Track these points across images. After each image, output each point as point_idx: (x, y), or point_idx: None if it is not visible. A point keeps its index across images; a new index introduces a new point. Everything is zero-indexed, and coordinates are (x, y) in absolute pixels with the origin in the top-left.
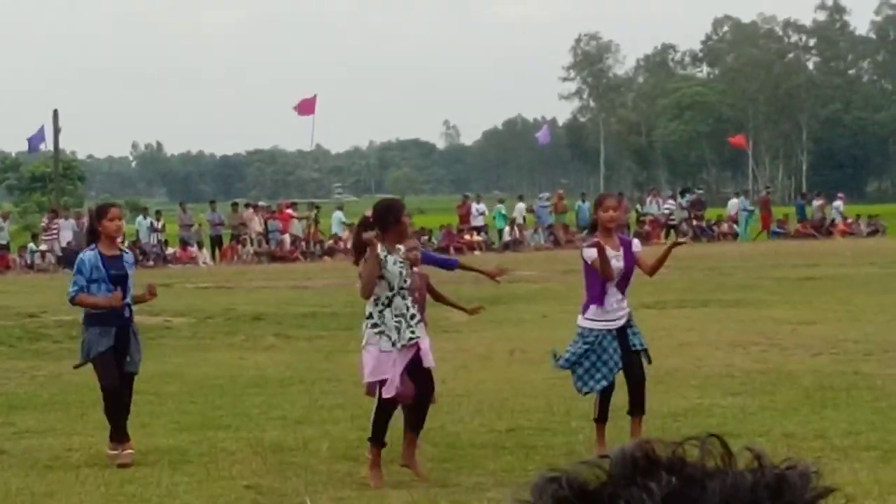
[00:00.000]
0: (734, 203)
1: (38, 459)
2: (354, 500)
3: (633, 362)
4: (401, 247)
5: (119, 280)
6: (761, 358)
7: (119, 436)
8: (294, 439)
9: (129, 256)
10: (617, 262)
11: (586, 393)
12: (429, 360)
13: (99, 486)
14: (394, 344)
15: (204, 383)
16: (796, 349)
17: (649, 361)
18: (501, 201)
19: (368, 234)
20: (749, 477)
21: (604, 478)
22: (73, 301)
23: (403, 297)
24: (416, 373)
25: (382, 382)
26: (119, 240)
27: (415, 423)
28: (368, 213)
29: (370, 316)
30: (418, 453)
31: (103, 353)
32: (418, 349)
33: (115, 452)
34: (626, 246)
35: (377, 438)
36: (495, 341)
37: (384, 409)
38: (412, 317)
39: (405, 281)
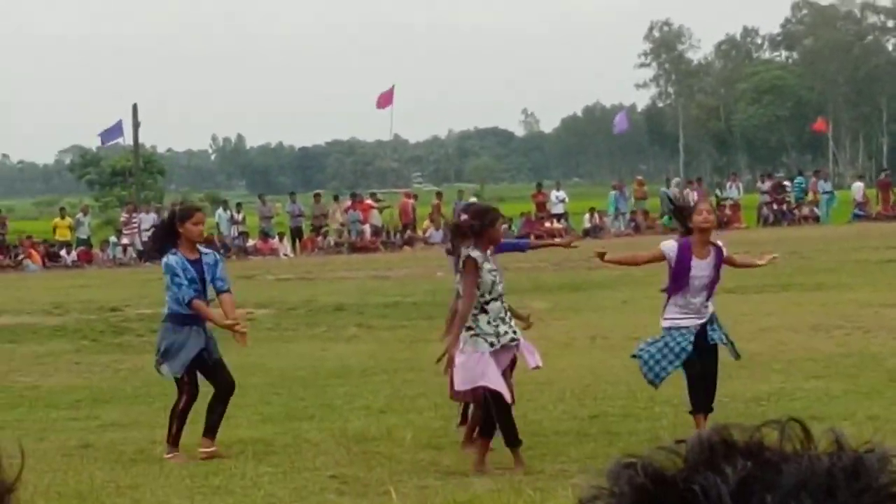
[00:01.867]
0: (858, 186)
1: (122, 452)
2: (439, 488)
3: (708, 359)
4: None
5: (199, 284)
6: (844, 341)
7: (209, 432)
8: (377, 429)
9: (209, 257)
10: (703, 272)
11: (657, 383)
12: (535, 360)
13: (184, 478)
14: (492, 345)
15: (287, 374)
16: (879, 332)
17: (737, 356)
18: (615, 188)
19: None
20: (826, 460)
21: (680, 463)
22: (190, 305)
23: (500, 301)
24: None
25: (484, 387)
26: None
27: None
28: (463, 218)
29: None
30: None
31: (192, 366)
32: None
33: (177, 454)
34: (718, 253)
35: (514, 440)
36: (576, 328)
37: (502, 410)
38: (510, 318)
39: (498, 286)
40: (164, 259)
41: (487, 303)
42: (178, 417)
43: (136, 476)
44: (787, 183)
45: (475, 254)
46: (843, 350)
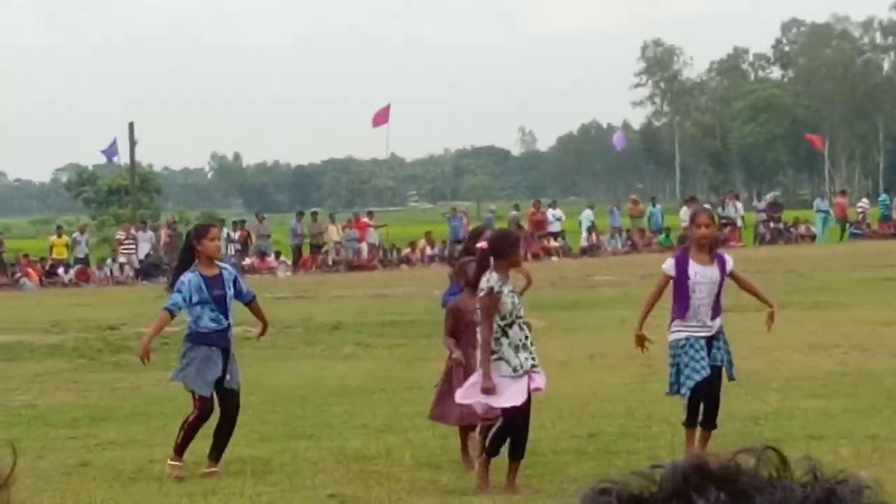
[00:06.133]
0: (865, 203)
1: (121, 471)
2: None
3: (712, 378)
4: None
5: (220, 301)
6: (842, 360)
7: (213, 454)
8: (376, 448)
9: (227, 273)
10: (705, 278)
11: (683, 394)
12: (537, 383)
13: (182, 496)
14: (515, 370)
15: (285, 393)
16: (877, 350)
17: (732, 378)
18: (591, 207)
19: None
20: (799, 492)
21: (655, 490)
22: (168, 311)
23: (521, 328)
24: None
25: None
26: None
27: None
28: (482, 244)
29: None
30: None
31: (207, 389)
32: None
33: (179, 465)
34: (720, 262)
35: (495, 450)
36: (574, 347)
37: (522, 424)
38: (531, 345)
39: (518, 309)
40: (182, 277)
41: (510, 325)
42: (186, 430)
43: (135, 494)
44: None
45: (494, 280)
46: (841, 369)
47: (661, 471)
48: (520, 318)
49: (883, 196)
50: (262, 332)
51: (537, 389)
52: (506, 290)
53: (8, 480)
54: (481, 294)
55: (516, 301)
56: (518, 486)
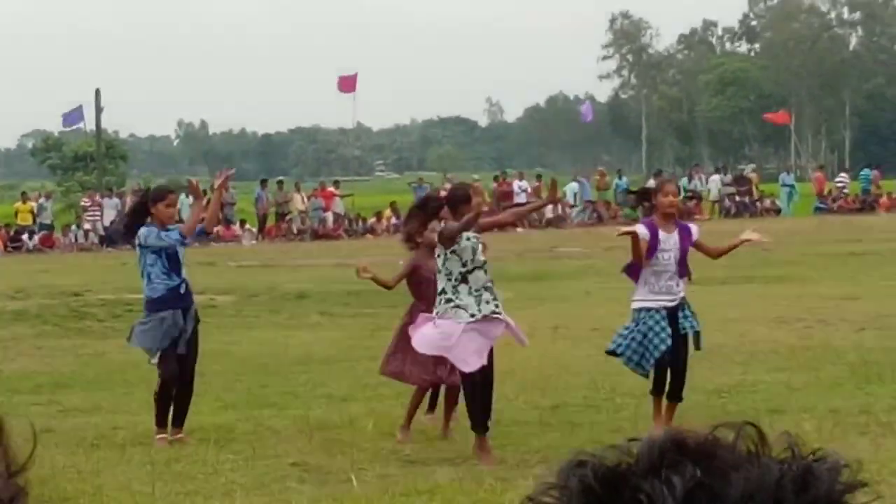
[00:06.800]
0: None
1: (84, 437)
2: (400, 477)
3: (679, 347)
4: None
5: (173, 257)
6: (806, 334)
7: (175, 422)
8: (340, 417)
9: (175, 233)
10: (669, 245)
11: (647, 369)
12: (520, 338)
13: (145, 464)
14: (472, 315)
15: (249, 361)
16: (840, 324)
17: (698, 347)
18: (575, 179)
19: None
20: (776, 469)
21: (632, 464)
22: (183, 238)
23: (485, 272)
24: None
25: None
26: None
27: (454, 402)
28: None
29: (443, 291)
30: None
31: (167, 349)
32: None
33: (164, 436)
34: (684, 231)
35: (483, 425)
36: (538, 318)
37: (475, 390)
38: (493, 290)
39: (479, 255)
40: (139, 233)
41: (470, 272)
42: (156, 401)
43: (98, 461)
44: (753, 175)
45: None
46: (804, 343)
47: (638, 444)
48: (484, 263)
49: (865, 171)
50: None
51: (521, 342)
52: (464, 235)
53: (27, 464)
54: (436, 233)
55: (478, 248)
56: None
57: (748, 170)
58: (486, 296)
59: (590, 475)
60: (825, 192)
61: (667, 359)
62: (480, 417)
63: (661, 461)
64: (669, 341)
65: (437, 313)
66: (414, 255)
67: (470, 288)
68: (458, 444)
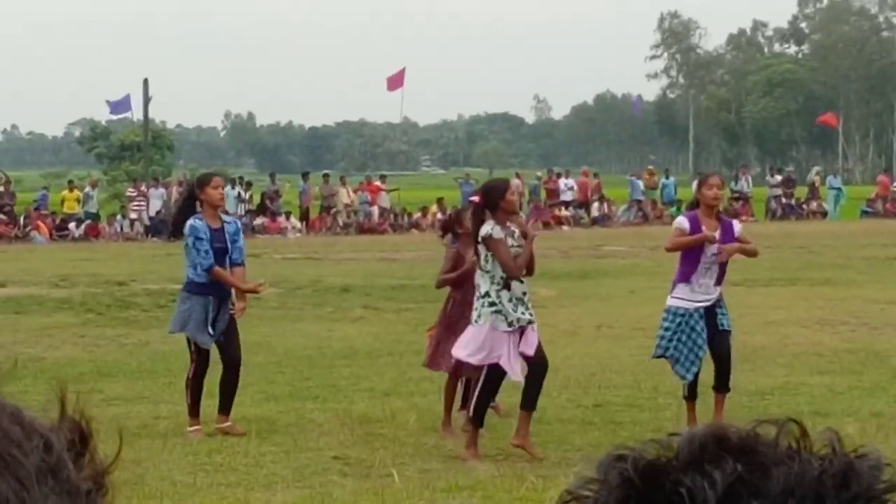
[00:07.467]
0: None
1: (126, 427)
2: (441, 472)
3: (721, 341)
4: (512, 225)
5: (220, 253)
6: (850, 337)
7: (221, 409)
8: (382, 411)
9: (231, 226)
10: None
11: (689, 378)
12: (528, 348)
13: (187, 454)
14: (510, 324)
15: (292, 354)
16: (885, 328)
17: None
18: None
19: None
20: (816, 465)
21: (672, 459)
22: (209, 272)
23: (521, 281)
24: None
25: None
26: (220, 209)
27: (529, 402)
28: (474, 198)
29: (486, 294)
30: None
31: (203, 337)
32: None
33: (198, 428)
34: (727, 227)
35: (480, 419)
36: (582, 317)
37: (492, 388)
38: (528, 300)
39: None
40: (190, 221)
41: (510, 279)
42: (189, 387)
43: (140, 451)
44: (816, 179)
45: (491, 226)
46: (848, 346)
47: (679, 439)
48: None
49: None
50: (255, 289)
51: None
52: (509, 241)
53: (111, 467)
54: (479, 242)
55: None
56: (529, 444)
57: (812, 173)
58: (521, 308)
59: (629, 469)
60: (889, 195)
61: (713, 355)
62: (481, 413)
63: (701, 456)
64: (704, 350)
65: (478, 316)
66: (455, 246)
67: (511, 294)
68: (499, 441)
